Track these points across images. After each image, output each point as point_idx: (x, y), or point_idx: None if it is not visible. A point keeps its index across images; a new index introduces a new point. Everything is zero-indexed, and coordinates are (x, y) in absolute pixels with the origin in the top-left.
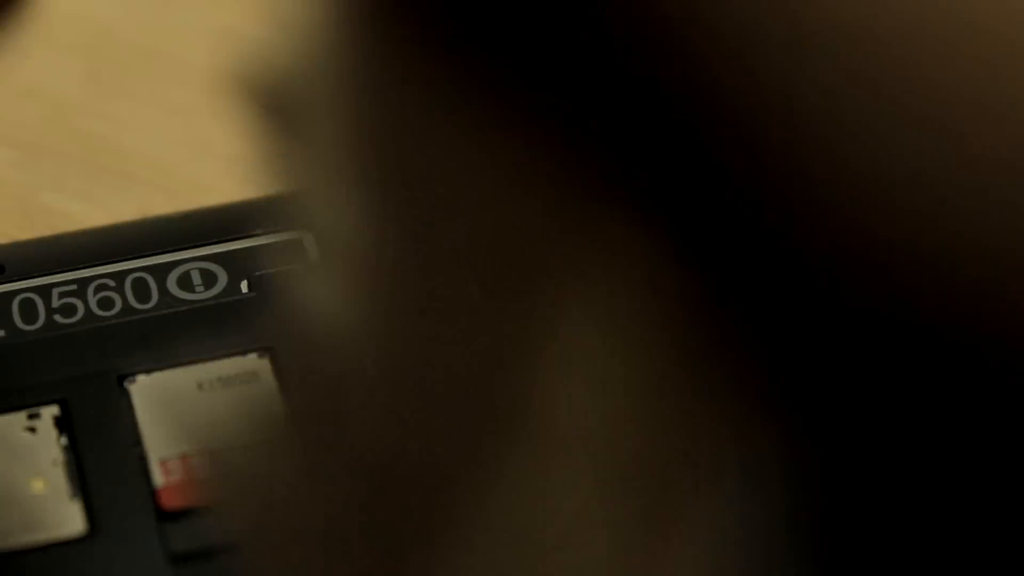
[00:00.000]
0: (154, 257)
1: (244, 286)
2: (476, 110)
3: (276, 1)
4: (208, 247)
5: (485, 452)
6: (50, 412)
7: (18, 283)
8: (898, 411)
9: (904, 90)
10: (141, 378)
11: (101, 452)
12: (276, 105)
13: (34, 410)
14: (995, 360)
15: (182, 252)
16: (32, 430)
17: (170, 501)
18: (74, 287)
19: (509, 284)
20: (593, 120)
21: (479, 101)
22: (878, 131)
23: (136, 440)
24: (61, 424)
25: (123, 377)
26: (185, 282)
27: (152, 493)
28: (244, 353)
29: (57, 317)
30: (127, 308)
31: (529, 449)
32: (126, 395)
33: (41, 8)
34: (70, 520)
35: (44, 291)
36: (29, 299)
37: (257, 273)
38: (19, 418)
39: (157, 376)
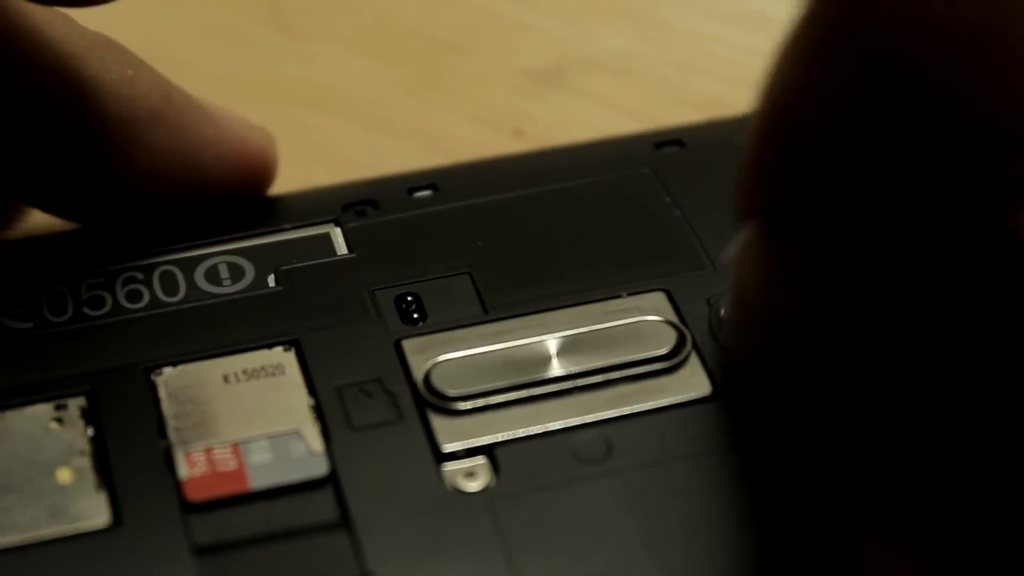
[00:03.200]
0: (182, 251)
1: (271, 280)
2: None
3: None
4: (236, 241)
5: None
6: (77, 404)
7: (46, 275)
8: None
9: None
10: (167, 370)
11: (126, 444)
12: None
13: (61, 401)
14: None
15: (210, 246)
16: (59, 421)
17: (194, 493)
18: (102, 280)
19: None
20: None
21: None
22: None
23: (161, 432)
24: (87, 416)
25: (149, 369)
26: (213, 275)
27: (177, 485)
28: (270, 346)
29: (85, 309)
30: (155, 301)
31: None
32: (152, 387)
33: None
34: (95, 511)
35: (73, 283)
36: (58, 291)
37: (284, 267)
38: (46, 409)
39: (183, 368)
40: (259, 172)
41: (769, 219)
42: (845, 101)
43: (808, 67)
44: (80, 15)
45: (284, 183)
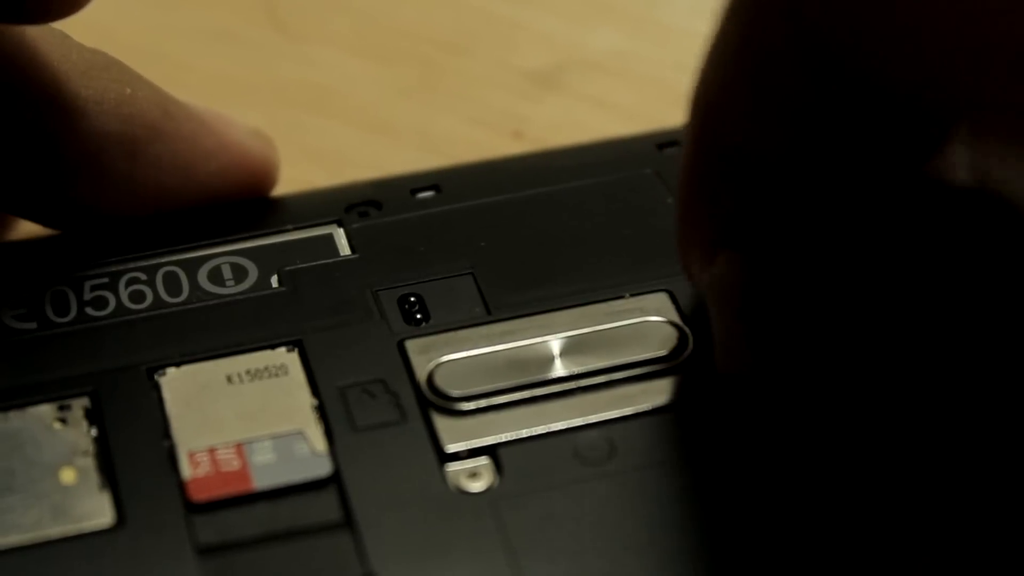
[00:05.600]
0: (185, 251)
1: (274, 280)
2: None
3: (273, 4)
4: (239, 242)
5: None
6: (80, 404)
7: (49, 276)
8: None
9: None
10: (171, 371)
11: (130, 444)
12: None
13: (65, 402)
14: None
15: (213, 247)
16: (62, 421)
17: (198, 493)
18: (106, 280)
19: None
20: None
21: None
22: None
23: (165, 432)
24: (91, 416)
25: (153, 370)
26: (216, 276)
27: (180, 485)
28: (273, 347)
29: (88, 310)
30: (158, 301)
31: None
32: (156, 387)
33: None
34: (98, 512)
35: (76, 284)
36: (61, 291)
37: (287, 268)
38: (50, 409)
39: (186, 369)
40: (260, 179)
41: (719, 240)
42: (776, 90)
43: (733, 62)
44: (80, 16)
45: (282, 184)
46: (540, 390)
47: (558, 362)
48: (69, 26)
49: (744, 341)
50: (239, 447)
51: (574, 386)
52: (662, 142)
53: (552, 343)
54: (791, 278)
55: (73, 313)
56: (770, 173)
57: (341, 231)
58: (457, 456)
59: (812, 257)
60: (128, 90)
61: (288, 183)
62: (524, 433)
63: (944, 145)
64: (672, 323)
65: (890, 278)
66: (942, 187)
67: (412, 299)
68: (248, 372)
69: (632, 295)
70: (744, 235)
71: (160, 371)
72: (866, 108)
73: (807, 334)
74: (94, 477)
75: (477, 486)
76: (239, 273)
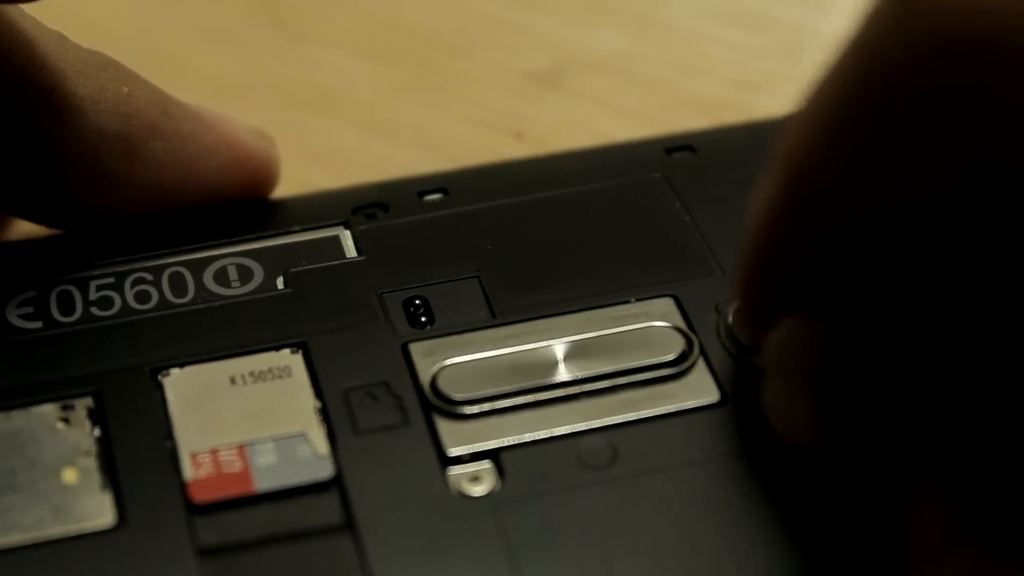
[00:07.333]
0: (192, 252)
1: (280, 282)
2: None
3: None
4: (245, 243)
5: None
6: (84, 404)
7: (55, 276)
8: None
9: None
10: (175, 371)
11: (133, 444)
12: None
13: (68, 401)
14: None
15: (219, 248)
16: (65, 421)
17: (199, 495)
18: (111, 280)
19: None
20: None
21: None
22: None
23: (168, 433)
24: (94, 416)
25: (157, 370)
26: (221, 277)
27: (182, 486)
28: (277, 348)
29: (94, 310)
30: (163, 302)
31: None
32: (159, 388)
33: (41, 13)
34: (99, 512)
35: (82, 284)
36: (67, 291)
37: (293, 269)
38: (53, 409)
39: (190, 370)
40: (261, 178)
41: (793, 302)
42: (900, 172)
43: (859, 116)
44: (80, 17)
45: (284, 185)
46: (544, 394)
47: (562, 366)
48: (67, 26)
49: (815, 410)
50: (241, 448)
51: (578, 391)
52: (671, 146)
53: (556, 347)
54: (875, 349)
55: (78, 313)
56: (878, 238)
57: (347, 233)
58: (459, 460)
59: (899, 328)
60: (126, 89)
61: (289, 183)
62: (527, 437)
63: None
64: (677, 328)
65: (977, 352)
66: None
67: (417, 302)
68: (252, 373)
69: (638, 300)
70: (813, 301)
71: (164, 372)
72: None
73: (882, 406)
74: (96, 477)
75: (479, 490)
76: (245, 274)
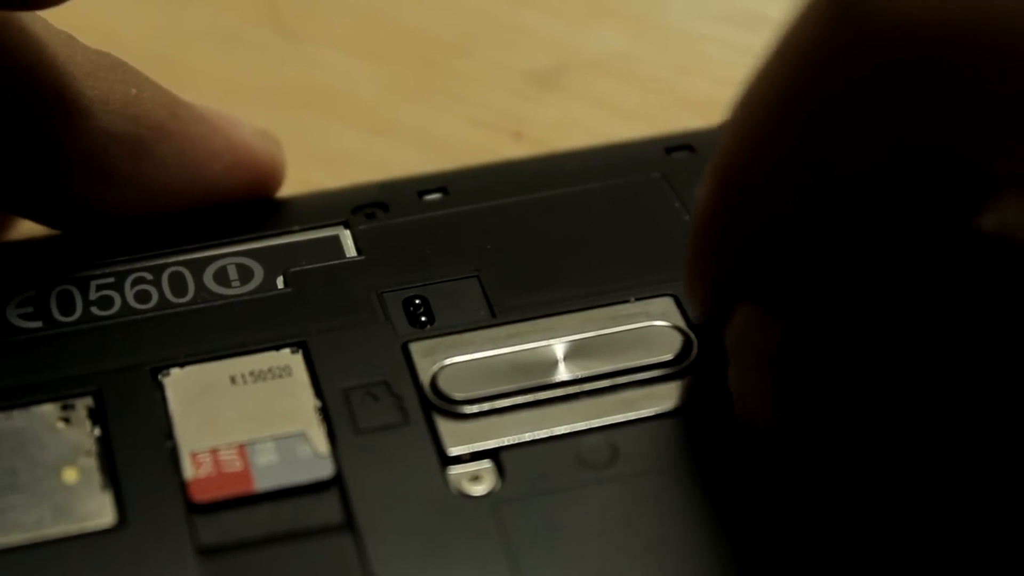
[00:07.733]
0: (191, 252)
1: (280, 281)
2: None
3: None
4: (245, 243)
5: None
6: (84, 403)
7: (56, 275)
8: None
9: None
10: (175, 371)
11: (133, 444)
12: None
13: (68, 401)
14: None
15: (219, 247)
16: (66, 421)
17: (200, 494)
18: (111, 280)
19: None
20: None
21: None
22: None
23: (168, 433)
24: (94, 416)
25: (157, 370)
26: (221, 277)
27: (182, 486)
28: (277, 348)
29: (94, 309)
30: (163, 301)
31: None
32: (159, 388)
33: (50, 15)
34: (100, 511)
35: (82, 283)
36: (67, 291)
37: (293, 269)
38: (53, 409)
39: (190, 369)
40: (267, 179)
41: (743, 292)
42: (826, 156)
43: (782, 111)
44: (87, 20)
45: (284, 185)
46: (544, 394)
47: (562, 366)
48: (75, 29)
49: (773, 396)
50: (241, 448)
51: (578, 390)
52: (670, 146)
53: (556, 347)
54: (828, 335)
55: (79, 312)
56: (809, 227)
57: (347, 232)
58: (459, 459)
59: (848, 313)
60: (134, 91)
61: (289, 183)
62: (527, 437)
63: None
64: (677, 328)
65: (922, 331)
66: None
67: (417, 301)
68: (252, 373)
69: (637, 299)
70: (764, 287)
71: (164, 371)
72: (920, 177)
73: (841, 392)
74: (96, 477)
75: (479, 489)
76: (245, 274)
